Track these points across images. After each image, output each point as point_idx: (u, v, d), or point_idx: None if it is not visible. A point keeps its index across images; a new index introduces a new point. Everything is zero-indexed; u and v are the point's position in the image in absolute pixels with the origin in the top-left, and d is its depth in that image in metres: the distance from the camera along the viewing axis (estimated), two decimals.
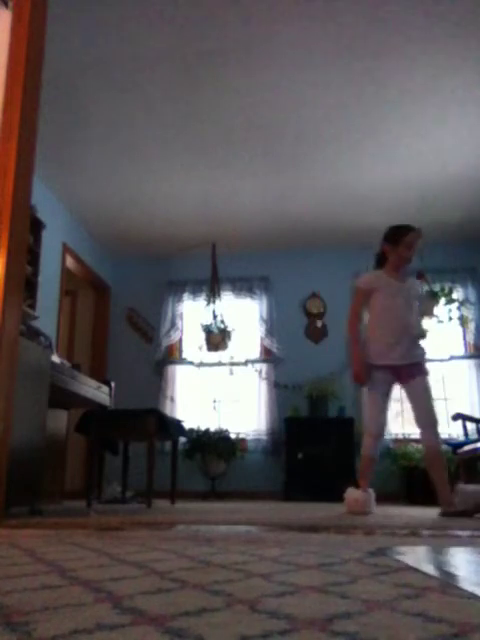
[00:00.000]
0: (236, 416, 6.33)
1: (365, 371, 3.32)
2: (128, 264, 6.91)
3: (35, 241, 4.64)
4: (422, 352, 3.33)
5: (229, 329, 6.10)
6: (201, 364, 6.56)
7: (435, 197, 5.48)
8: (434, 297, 5.75)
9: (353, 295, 3.46)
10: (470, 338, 6.18)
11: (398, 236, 3.33)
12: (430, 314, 5.72)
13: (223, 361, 6.48)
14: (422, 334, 3.47)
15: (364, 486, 3.21)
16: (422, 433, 3.19)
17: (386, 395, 3.26)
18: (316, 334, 6.46)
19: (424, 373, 3.23)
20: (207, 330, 6.07)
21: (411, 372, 3.21)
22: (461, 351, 6.22)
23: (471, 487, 3.22)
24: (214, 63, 3.76)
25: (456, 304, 5.87)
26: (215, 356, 6.37)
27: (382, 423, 3.26)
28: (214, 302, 6.25)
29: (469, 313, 6.13)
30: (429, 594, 0.81)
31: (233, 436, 6.06)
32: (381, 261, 3.47)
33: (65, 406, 4.41)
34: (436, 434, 3.17)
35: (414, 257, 3.37)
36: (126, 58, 3.72)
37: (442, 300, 5.78)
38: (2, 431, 2.30)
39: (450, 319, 5.82)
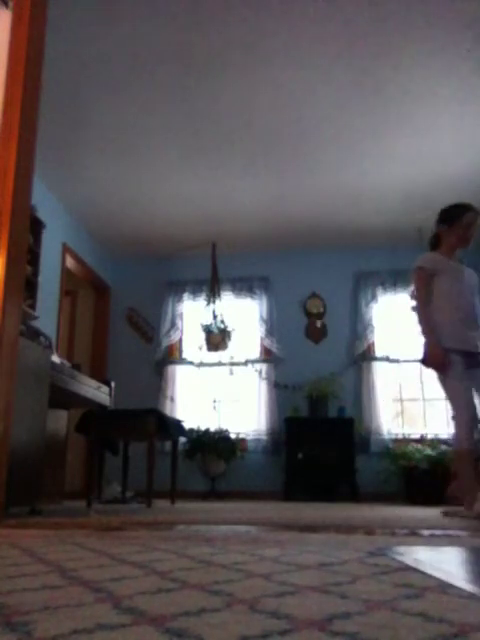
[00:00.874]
0: (236, 416, 6.33)
1: (444, 357, 3.01)
2: (128, 264, 6.91)
3: (35, 241, 4.64)
4: None
5: (229, 329, 6.10)
6: (201, 364, 6.56)
7: (435, 197, 5.47)
8: None
9: (415, 278, 3.16)
10: None
11: (455, 216, 3.15)
12: None
13: (223, 361, 6.48)
14: None
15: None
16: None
17: (468, 380, 3.02)
18: (316, 334, 6.46)
19: None
20: (207, 330, 6.07)
21: (477, 360, 3.06)
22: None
23: None
24: (214, 63, 3.76)
25: None
26: (215, 356, 6.37)
27: (474, 410, 2.98)
28: (214, 302, 6.26)
29: None
30: (429, 594, 0.81)
31: (233, 436, 6.06)
32: (435, 245, 3.27)
33: (65, 406, 4.41)
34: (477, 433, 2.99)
35: (473, 240, 3.16)
36: (126, 58, 3.72)
37: None
38: (2, 431, 2.30)
39: None
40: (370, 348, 6.30)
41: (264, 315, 6.45)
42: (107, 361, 6.61)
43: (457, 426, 2.99)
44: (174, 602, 0.74)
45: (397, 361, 6.33)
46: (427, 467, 5.27)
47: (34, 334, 3.55)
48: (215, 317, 6.12)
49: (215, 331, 6.04)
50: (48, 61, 2.96)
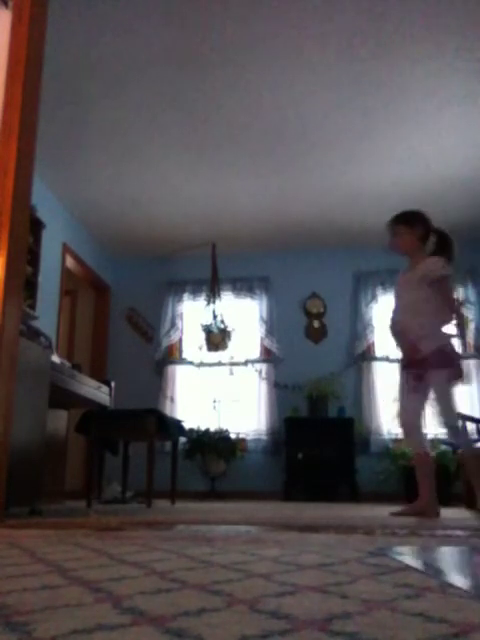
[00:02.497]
0: (236, 416, 6.32)
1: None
2: (128, 264, 6.91)
3: (35, 241, 4.64)
4: None
5: (229, 329, 6.10)
6: (201, 364, 6.56)
7: (435, 197, 5.47)
8: None
9: (447, 284, 3.07)
10: (470, 338, 6.18)
11: None
12: None
13: (223, 361, 6.47)
14: None
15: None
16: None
17: None
18: (316, 334, 6.45)
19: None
20: (207, 330, 6.07)
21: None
22: (461, 351, 6.21)
23: None
24: (214, 63, 3.76)
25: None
26: (215, 356, 6.37)
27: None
28: (214, 302, 6.25)
29: (469, 313, 6.13)
30: (429, 594, 0.81)
31: (233, 436, 6.06)
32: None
33: (65, 406, 4.41)
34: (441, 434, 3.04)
35: (394, 248, 3.24)
36: (126, 58, 3.72)
37: None
38: (2, 431, 2.30)
39: None
40: (370, 348, 6.30)
41: (264, 315, 6.45)
42: (107, 361, 6.61)
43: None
44: (174, 602, 0.74)
45: (397, 361, 6.32)
46: None
47: (34, 334, 3.55)
48: (215, 317, 6.12)
49: (215, 331, 6.04)
50: (48, 61, 2.96)
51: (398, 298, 3.20)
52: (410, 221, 3.17)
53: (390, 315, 3.19)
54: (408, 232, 3.15)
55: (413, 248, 3.15)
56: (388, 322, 3.20)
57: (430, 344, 2.96)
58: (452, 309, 3.04)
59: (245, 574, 0.98)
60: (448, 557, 1.35)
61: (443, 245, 3.18)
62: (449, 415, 2.91)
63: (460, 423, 2.98)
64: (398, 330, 3.14)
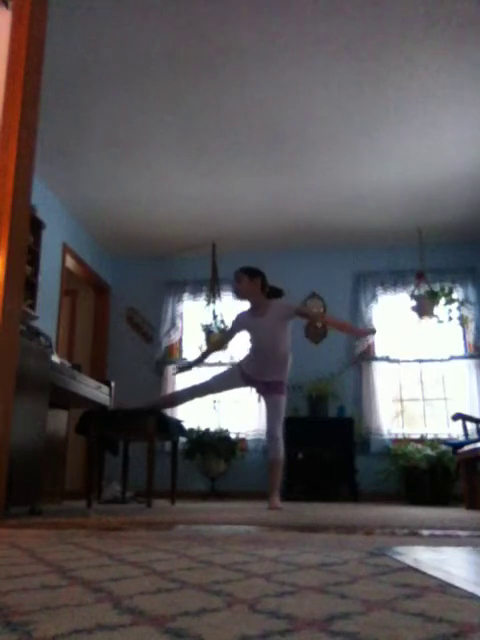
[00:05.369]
0: (236, 416, 6.32)
1: None
2: (128, 264, 6.91)
3: (35, 241, 4.64)
4: None
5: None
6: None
7: (435, 197, 5.48)
8: (434, 297, 5.75)
9: (306, 309, 3.77)
10: (470, 338, 6.18)
11: None
12: (430, 314, 5.72)
13: (223, 361, 6.47)
14: None
15: None
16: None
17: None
18: (316, 334, 6.45)
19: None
20: (207, 330, 6.06)
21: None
22: (461, 351, 6.22)
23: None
24: (214, 63, 3.76)
25: (456, 304, 5.87)
26: (215, 356, 6.36)
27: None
28: (214, 302, 6.25)
29: (469, 313, 6.13)
30: (429, 594, 0.81)
31: (233, 436, 6.06)
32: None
33: (65, 406, 4.41)
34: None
35: (237, 292, 4.07)
36: (126, 58, 3.72)
37: (442, 300, 5.78)
38: (2, 431, 2.30)
39: (450, 319, 5.82)
40: (370, 348, 6.30)
41: None
42: (107, 361, 6.61)
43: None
44: (174, 602, 0.74)
45: (397, 361, 6.33)
46: (427, 467, 5.27)
47: (34, 334, 3.55)
48: (215, 317, 6.12)
49: (215, 331, 6.03)
50: (48, 61, 2.96)
51: (263, 337, 3.92)
52: (251, 273, 3.94)
53: (255, 347, 4.03)
54: (250, 281, 3.91)
55: (254, 294, 3.91)
56: (255, 352, 4.01)
57: (280, 374, 3.89)
58: (318, 316, 3.83)
59: (245, 574, 0.98)
60: (448, 557, 1.35)
61: (277, 291, 4.07)
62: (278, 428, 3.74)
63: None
64: (265, 357, 3.92)
